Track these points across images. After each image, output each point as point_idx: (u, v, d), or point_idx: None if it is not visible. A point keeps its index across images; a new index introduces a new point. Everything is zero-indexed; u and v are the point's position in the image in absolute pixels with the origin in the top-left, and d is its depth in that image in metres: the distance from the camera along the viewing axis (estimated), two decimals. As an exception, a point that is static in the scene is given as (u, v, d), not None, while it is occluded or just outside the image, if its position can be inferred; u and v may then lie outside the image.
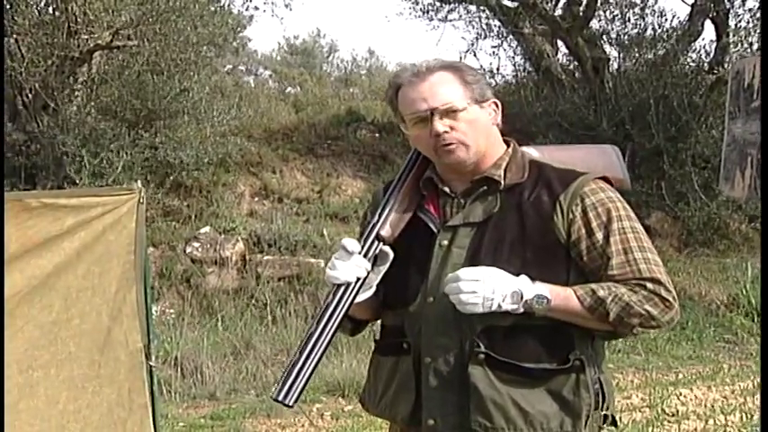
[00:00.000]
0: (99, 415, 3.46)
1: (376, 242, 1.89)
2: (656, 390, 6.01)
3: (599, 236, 1.84)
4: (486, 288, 1.76)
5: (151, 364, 3.59)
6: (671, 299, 1.83)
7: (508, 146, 1.97)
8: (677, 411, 5.57)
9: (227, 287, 8.05)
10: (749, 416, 5.37)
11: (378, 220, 1.91)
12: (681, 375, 6.51)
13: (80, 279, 3.43)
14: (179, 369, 6.40)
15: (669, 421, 5.38)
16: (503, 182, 1.89)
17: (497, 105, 1.94)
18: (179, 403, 5.99)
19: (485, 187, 1.91)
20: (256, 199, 9.54)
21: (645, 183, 9.53)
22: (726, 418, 5.40)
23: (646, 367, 6.74)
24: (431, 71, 1.90)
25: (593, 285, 1.82)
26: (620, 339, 7.30)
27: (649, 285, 1.82)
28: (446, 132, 1.86)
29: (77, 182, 7.85)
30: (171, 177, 8.86)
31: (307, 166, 10.06)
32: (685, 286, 8.31)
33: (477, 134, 1.89)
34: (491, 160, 1.92)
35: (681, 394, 5.94)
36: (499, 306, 1.77)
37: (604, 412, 1.91)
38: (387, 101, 1.99)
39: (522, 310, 1.78)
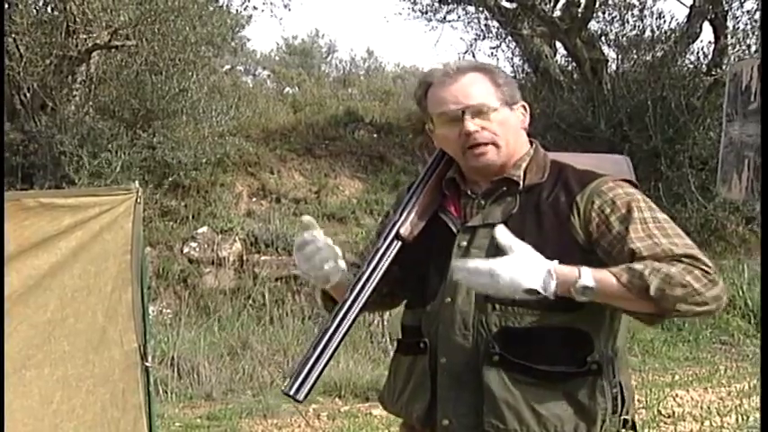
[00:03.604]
0: (93, 414, 3.46)
1: (395, 240, 1.88)
2: (652, 391, 6.01)
3: (620, 228, 1.79)
4: (501, 283, 1.68)
5: (147, 364, 3.58)
6: (712, 272, 1.73)
7: (530, 146, 1.95)
8: (673, 413, 5.58)
9: (224, 287, 8.05)
10: (745, 417, 5.38)
11: (398, 219, 1.89)
12: (677, 377, 6.51)
13: (76, 279, 3.43)
14: (175, 369, 6.40)
15: (665, 423, 5.38)
16: (522, 183, 1.87)
17: (526, 108, 1.93)
18: (175, 403, 5.99)
19: (504, 188, 1.89)
20: (254, 199, 9.54)
21: (642, 184, 9.44)
22: (722, 420, 5.40)
23: (642, 368, 6.74)
24: (462, 72, 1.88)
25: (629, 264, 1.73)
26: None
27: (686, 260, 1.74)
28: (477, 132, 1.84)
29: (75, 181, 7.86)
30: (169, 177, 8.86)
31: (304, 167, 10.06)
32: (682, 288, 8.31)
33: (508, 135, 1.88)
34: (513, 161, 1.91)
35: (677, 396, 5.94)
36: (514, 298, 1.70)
37: (624, 417, 1.86)
38: (415, 100, 1.97)
39: (551, 297, 1.69)
